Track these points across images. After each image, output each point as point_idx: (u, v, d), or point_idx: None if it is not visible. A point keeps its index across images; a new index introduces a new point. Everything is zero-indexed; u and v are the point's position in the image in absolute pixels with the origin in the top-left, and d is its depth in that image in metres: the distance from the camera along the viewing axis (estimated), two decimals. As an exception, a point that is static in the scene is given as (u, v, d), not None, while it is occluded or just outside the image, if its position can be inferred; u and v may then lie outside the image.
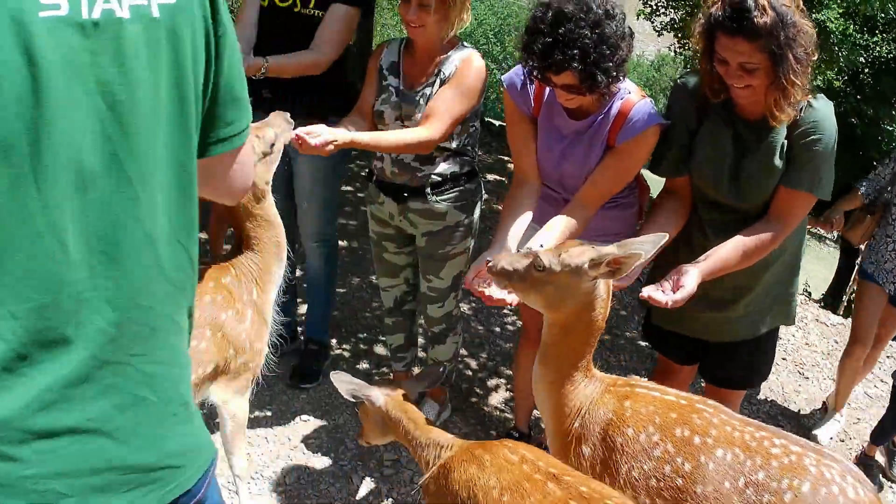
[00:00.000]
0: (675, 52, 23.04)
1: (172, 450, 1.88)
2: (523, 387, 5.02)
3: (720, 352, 4.42)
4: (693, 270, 3.69)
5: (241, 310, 3.98)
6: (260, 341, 4.08)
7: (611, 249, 3.22)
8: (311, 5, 4.80)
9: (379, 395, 3.68)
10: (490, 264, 3.42)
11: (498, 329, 7.17)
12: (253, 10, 4.90)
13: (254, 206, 3.97)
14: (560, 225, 3.88)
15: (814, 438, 5.95)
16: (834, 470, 3.23)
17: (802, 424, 6.33)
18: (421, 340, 5.91)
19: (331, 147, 4.04)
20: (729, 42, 3.51)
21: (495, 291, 3.62)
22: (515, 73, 4.21)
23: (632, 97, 3.99)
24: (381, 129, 4.62)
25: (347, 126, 4.45)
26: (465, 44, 4.56)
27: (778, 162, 3.76)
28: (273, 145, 3.97)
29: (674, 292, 3.66)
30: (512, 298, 3.57)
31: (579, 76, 3.68)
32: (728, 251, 3.80)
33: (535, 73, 3.80)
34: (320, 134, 4.01)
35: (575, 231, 3.92)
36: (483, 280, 3.73)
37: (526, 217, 4.09)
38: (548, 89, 4.07)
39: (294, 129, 4.01)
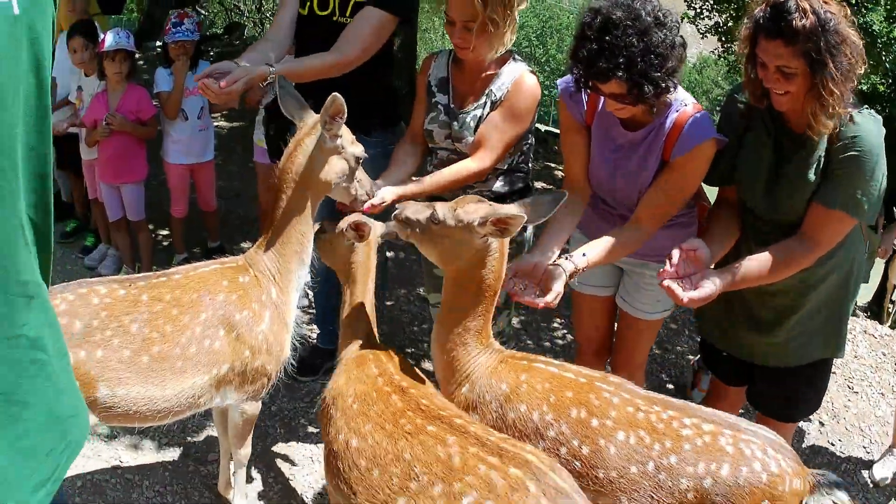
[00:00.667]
0: (718, 55, 22.92)
1: (70, 401, 2.07)
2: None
3: (765, 378, 4.31)
4: (714, 275, 3.62)
5: (258, 311, 3.92)
6: (279, 345, 4.01)
7: (508, 209, 3.37)
8: (348, 13, 4.68)
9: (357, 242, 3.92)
10: (396, 213, 3.62)
11: (548, 343, 7.09)
12: (288, 15, 4.79)
13: (307, 196, 3.95)
14: (611, 239, 3.89)
15: (871, 476, 5.79)
16: (754, 445, 3.25)
17: (852, 441, 6.20)
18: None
19: (380, 208, 4.09)
20: (768, 45, 3.45)
21: (526, 296, 3.67)
22: (570, 81, 4.07)
23: (688, 109, 3.91)
24: (432, 147, 4.57)
25: (400, 159, 4.48)
26: (517, 57, 4.41)
27: (812, 176, 3.67)
28: (358, 162, 3.98)
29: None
30: (539, 301, 3.61)
31: (626, 85, 3.62)
32: (754, 264, 3.71)
33: (581, 81, 3.75)
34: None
35: (626, 250, 3.90)
36: (521, 281, 3.76)
37: (572, 224, 4.10)
38: (602, 98, 3.98)
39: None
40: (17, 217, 1.82)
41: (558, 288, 3.62)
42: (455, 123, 4.39)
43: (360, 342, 3.83)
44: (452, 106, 4.44)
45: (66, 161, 8.40)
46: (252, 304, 3.90)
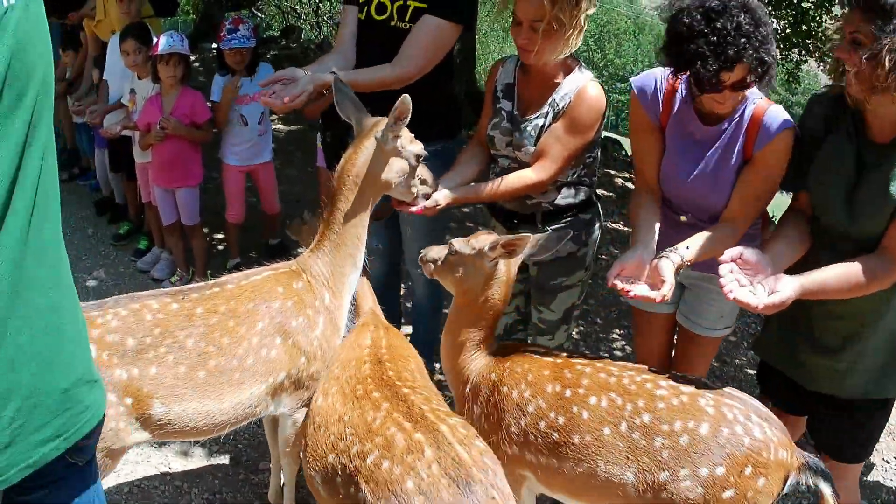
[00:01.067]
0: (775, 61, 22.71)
1: (85, 365, 2.19)
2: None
3: (825, 408, 4.09)
4: (790, 279, 3.45)
5: (313, 316, 3.92)
6: (332, 350, 3.99)
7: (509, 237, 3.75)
8: (407, 18, 4.61)
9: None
10: (420, 256, 4.06)
11: (606, 355, 6.96)
12: (350, 27, 4.79)
13: (366, 198, 3.96)
14: (708, 234, 3.86)
15: None
16: (737, 409, 3.31)
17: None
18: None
19: (433, 210, 4.13)
20: (851, 15, 3.38)
21: (639, 289, 3.62)
22: (645, 79, 4.11)
23: (762, 103, 3.90)
24: (494, 154, 4.51)
25: (463, 162, 4.49)
26: (583, 67, 4.31)
27: (895, 190, 3.50)
28: (418, 160, 4.00)
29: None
30: (654, 295, 3.57)
31: (751, 64, 3.59)
32: (833, 274, 3.53)
33: (706, 79, 3.64)
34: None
35: (723, 246, 3.75)
36: (627, 278, 3.71)
37: (657, 221, 4.04)
38: (678, 96, 4.01)
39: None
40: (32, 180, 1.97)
41: (670, 279, 3.57)
42: (517, 131, 4.32)
43: (368, 312, 4.20)
44: (516, 113, 4.37)
45: (120, 163, 8.43)
46: (307, 309, 3.90)
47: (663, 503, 3.31)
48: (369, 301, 4.32)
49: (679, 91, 3.97)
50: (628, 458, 3.36)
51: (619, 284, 3.63)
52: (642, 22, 54.99)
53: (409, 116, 3.75)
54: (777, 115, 3.84)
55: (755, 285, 3.45)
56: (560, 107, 4.22)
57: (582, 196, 4.53)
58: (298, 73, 4.13)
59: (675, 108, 4.04)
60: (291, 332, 3.84)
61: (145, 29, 7.51)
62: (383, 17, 4.67)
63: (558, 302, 4.68)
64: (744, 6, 3.54)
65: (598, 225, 4.66)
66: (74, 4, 9.40)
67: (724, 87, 3.65)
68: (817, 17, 13.07)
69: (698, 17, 3.55)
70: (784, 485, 3.26)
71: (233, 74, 7.36)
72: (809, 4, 12.44)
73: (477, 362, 3.92)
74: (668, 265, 3.60)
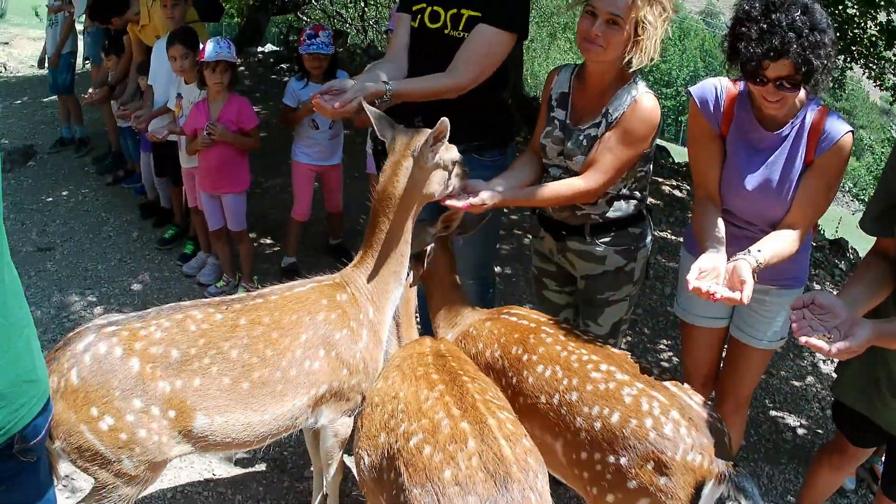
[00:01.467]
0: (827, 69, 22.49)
1: (29, 364, 2.32)
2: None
3: (889, 447, 4.05)
4: (867, 324, 3.25)
5: (356, 329, 3.95)
6: (374, 362, 4.00)
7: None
8: (461, 27, 4.54)
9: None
10: None
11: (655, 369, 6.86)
12: (404, 36, 4.74)
13: (409, 215, 3.96)
14: (774, 236, 3.85)
15: None
16: (656, 403, 3.36)
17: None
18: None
19: (479, 209, 4.10)
20: None
21: (722, 290, 3.53)
22: (704, 88, 4.13)
23: (821, 110, 3.95)
24: (546, 164, 4.45)
25: (517, 167, 4.46)
26: (639, 78, 4.19)
27: None
28: (454, 165, 3.97)
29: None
30: (737, 296, 3.50)
31: (796, 61, 3.60)
32: None
33: (748, 63, 3.67)
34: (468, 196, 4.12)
35: (790, 247, 3.84)
36: (706, 282, 3.60)
37: (721, 225, 4.00)
38: (738, 104, 4.03)
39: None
40: None
41: (751, 280, 3.52)
42: (568, 140, 4.27)
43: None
44: (568, 122, 4.31)
45: (165, 168, 8.46)
46: (350, 322, 3.90)
47: (585, 482, 3.49)
48: (413, 332, 4.42)
49: (738, 99, 3.97)
50: (556, 430, 3.57)
51: (704, 287, 3.53)
52: (687, 27, 54.80)
53: (448, 135, 3.72)
54: (837, 120, 3.86)
55: (830, 330, 3.29)
56: (614, 117, 4.14)
57: (632, 209, 4.47)
58: (348, 84, 4.10)
59: (736, 116, 4.01)
60: (335, 344, 3.85)
61: (192, 34, 7.56)
62: (437, 25, 4.62)
63: (606, 316, 4.63)
64: (804, 7, 3.59)
65: (648, 239, 4.59)
66: (117, 9, 9.45)
67: (768, 78, 3.66)
68: (862, 24, 12.92)
69: (757, 5, 3.65)
70: (699, 491, 3.25)
71: (308, 80, 7.49)
72: (854, 11, 12.30)
73: (457, 325, 4.38)
74: (746, 266, 3.55)
